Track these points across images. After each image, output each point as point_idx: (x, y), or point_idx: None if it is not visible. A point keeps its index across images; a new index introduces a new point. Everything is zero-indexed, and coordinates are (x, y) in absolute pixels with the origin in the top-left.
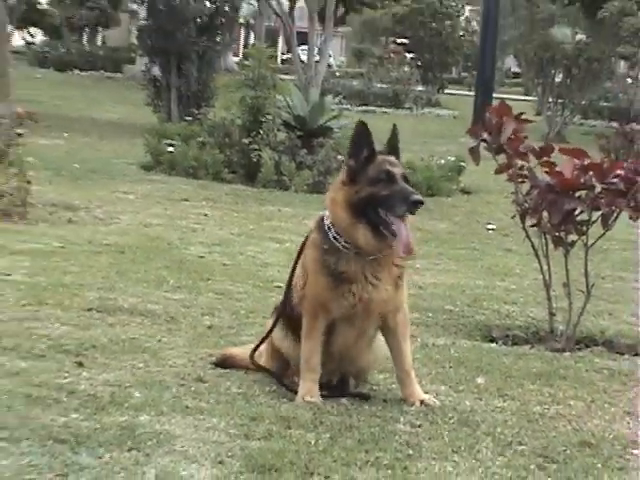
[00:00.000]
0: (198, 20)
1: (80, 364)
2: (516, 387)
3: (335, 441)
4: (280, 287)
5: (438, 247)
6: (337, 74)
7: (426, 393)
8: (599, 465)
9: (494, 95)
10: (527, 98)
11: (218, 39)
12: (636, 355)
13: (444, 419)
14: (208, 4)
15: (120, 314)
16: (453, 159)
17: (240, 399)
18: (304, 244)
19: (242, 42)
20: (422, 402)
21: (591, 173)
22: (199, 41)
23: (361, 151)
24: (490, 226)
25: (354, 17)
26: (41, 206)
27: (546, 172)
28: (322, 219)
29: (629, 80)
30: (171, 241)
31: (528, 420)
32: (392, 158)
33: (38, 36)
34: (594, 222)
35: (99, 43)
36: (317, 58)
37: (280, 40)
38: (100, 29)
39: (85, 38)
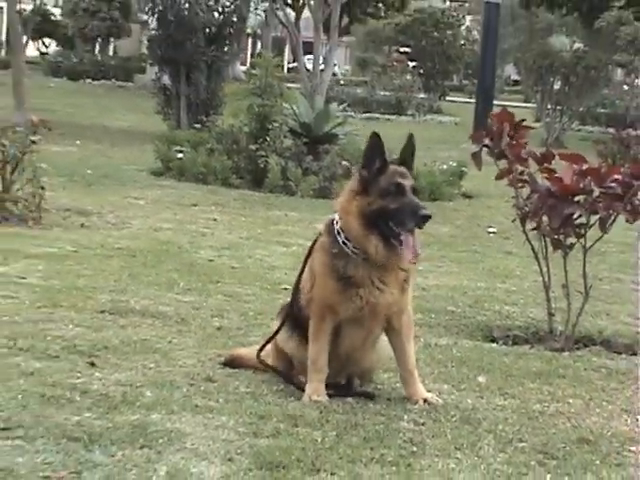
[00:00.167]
0: (207, 30)
1: (93, 364)
2: (516, 386)
3: (341, 439)
4: (287, 289)
5: (440, 250)
6: (342, 82)
7: (429, 392)
8: (597, 461)
9: (494, 102)
10: (526, 105)
11: (226, 49)
12: (633, 354)
13: (447, 417)
14: (217, 15)
15: (132, 316)
16: (455, 164)
17: (248, 398)
18: (312, 247)
19: (249, 51)
20: (425, 400)
21: (589, 178)
22: (208, 51)
23: (374, 162)
24: (491, 229)
25: (358, 27)
26: (55, 211)
27: (546, 178)
28: (332, 223)
29: (625, 87)
30: (181, 245)
31: (528, 418)
32: (403, 169)
33: (52, 46)
34: (592, 225)
35: (111, 53)
36: (322, 67)
37: (286, 49)
38: (112, 39)
39: (97, 48)
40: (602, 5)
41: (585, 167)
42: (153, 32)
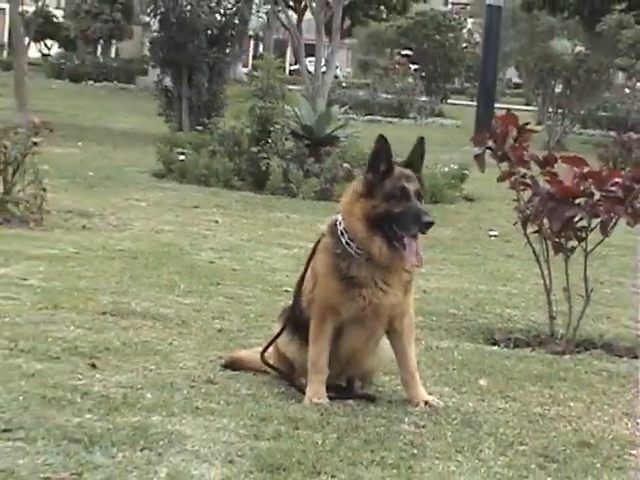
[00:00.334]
0: (209, 32)
1: (94, 366)
2: (517, 389)
3: (342, 441)
4: (288, 291)
5: (442, 253)
6: (343, 85)
7: (430, 394)
8: (598, 465)
9: (496, 105)
10: (528, 108)
11: (228, 51)
12: (634, 358)
13: (448, 420)
14: (218, 17)
15: (133, 318)
16: (456, 167)
17: (249, 400)
18: (315, 247)
19: (251, 53)
20: (426, 403)
21: (590, 181)
22: (210, 53)
23: (379, 165)
24: (492, 232)
25: (360, 30)
26: (56, 213)
27: (547, 181)
28: (335, 224)
29: (627, 90)
30: (182, 247)
31: (529, 421)
32: (408, 172)
33: (54, 48)
34: (593, 229)
35: (113, 55)
36: (324, 69)
37: (288, 52)
38: (114, 41)
39: (99, 50)
40: (603, 9)
41: (586, 170)
42: (155, 34)
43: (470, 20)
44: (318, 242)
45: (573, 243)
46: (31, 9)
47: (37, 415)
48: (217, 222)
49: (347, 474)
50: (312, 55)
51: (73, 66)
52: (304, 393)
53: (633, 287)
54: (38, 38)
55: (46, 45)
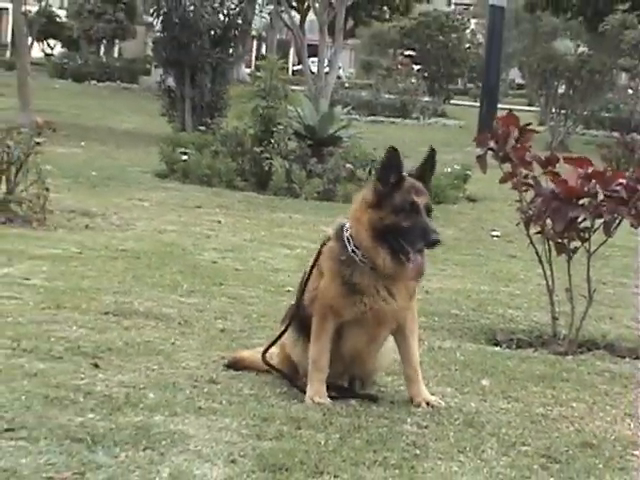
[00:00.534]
0: (212, 33)
1: (96, 366)
2: (520, 389)
3: (344, 441)
4: (291, 291)
5: (444, 253)
6: (346, 85)
7: (432, 395)
8: (601, 465)
9: (499, 105)
10: (531, 109)
11: (231, 51)
12: (637, 358)
13: (450, 420)
14: (222, 17)
15: (135, 317)
16: (459, 167)
17: (252, 400)
18: (321, 249)
19: (254, 54)
20: (428, 403)
21: (594, 181)
22: (213, 53)
23: (389, 176)
24: (495, 233)
25: (363, 30)
26: (59, 213)
27: (551, 180)
28: (342, 228)
29: (630, 91)
30: (185, 247)
31: (531, 421)
32: (419, 185)
33: (57, 48)
34: (596, 229)
35: (116, 55)
36: (327, 70)
37: (291, 52)
38: (117, 41)
39: (102, 50)
40: (606, 9)
41: (590, 170)
42: (158, 34)
43: (473, 21)
44: (324, 244)
45: (576, 244)
46: (34, 9)
47: (39, 414)
48: (220, 222)
49: (349, 474)
50: (315, 55)
51: (76, 66)
52: (305, 394)
53: (636, 288)
54: (41, 38)
55: (49, 45)
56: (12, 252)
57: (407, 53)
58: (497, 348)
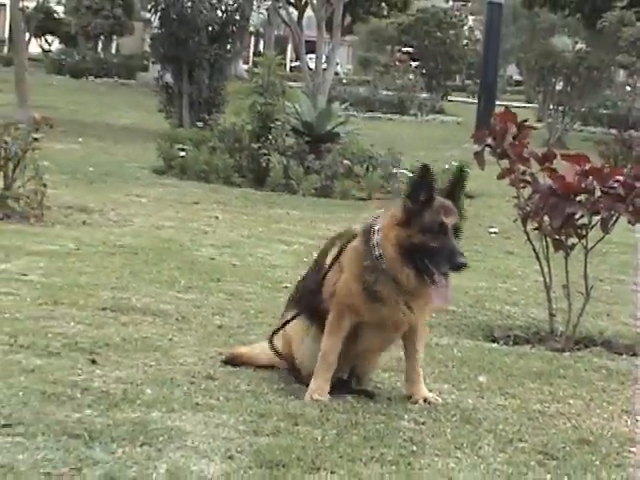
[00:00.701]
0: (210, 29)
1: (94, 362)
2: (517, 386)
3: (341, 437)
4: (288, 288)
5: None
6: (344, 81)
7: (430, 391)
8: (597, 462)
9: (496, 102)
10: (528, 105)
11: (229, 47)
12: (634, 355)
13: (447, 416)
14: (219, 13)
15: (133, 313)
16: (457, 164)
17: (249, 396)
18: (344, 245)
19: (252, 50)
20: (426, 400)
21: (591, 178)
22: (210, 49)
23: (420, 194)
24: (492, 229)
25: (361, 26)
26: (57, 209)
27: (548, 176)
28: (371, 230)
29: (628, 88)
30: (183, 243)
31: (529, 418)
32: (449, 205)
33: (54, 44)
34: (594, 226)
35: (113, 51)
36: (325, 66)
37: (289, 48)
38: (114, 37)
39: (100, 46)
40: (604, 6)
41: (588, 167)
42: (156, 30)
43: (471, 17)
44: (348, 241)
45: (573, 240)
46: (32, 5)
47: (37, 411)
48: (217, 218)
49: (346, 470)
50: (313, 52)
51: (74, 62)
52: (306, 386)
53: (633, 284)
54: (39, 34)
55: (47, 41)
56: (9, 248)
57: (405, 49)
58: (494, 345)
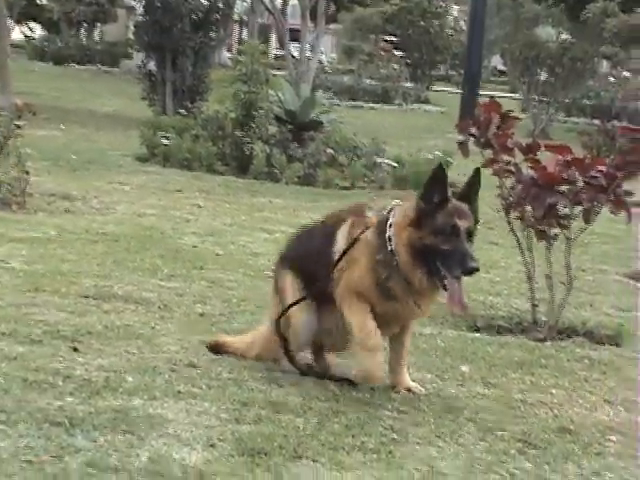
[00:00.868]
0: (194, 16)
1: (75, 349)
2: (499, 375)
3: (323, 426)
4: (271, 276)
5: None
6: (328, 70)
7: (412, 381)
8: (578, 451)
9: (481, 92)
10: (512, 96)
11: (213, 35)
12: (616, 345)
13: (429, 406)
14: (203, 1)
15: (115, 301)
16: (440, 154)
17: (231, 384)
18: (359, 235)
19: (236, 38)
20: (409, 390)
21: (573, 168)
22: (194, 37)
23: (433, 195)
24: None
25: (345, 15)
26: (39, 196)
27: (530, 167)
28: (386, 223)
29: (611, 79)
30: (165, 231)
31: (510, 407)
32: (463, 207)
33: (37, 30)
34: (576, 216)
35: (97, 38)
36: (309, 54)
37: (273, 37)
38: (98, 24)
39: (83, 33)
40: None
41: (570, 157)
42: (140, 18)
43: (455, 7)
44: (362, 231)
45: (556, 231)
46: None
47: (18, 398)
48: (200, 206)
49: (328, 458)
50: (297, 40)
51: (56, 49)
52: (302, 373)
53: (616, 275)
54: (21, 20)
55: (29, 27)
56: None
57: (389, 39)
58: (477, 334)
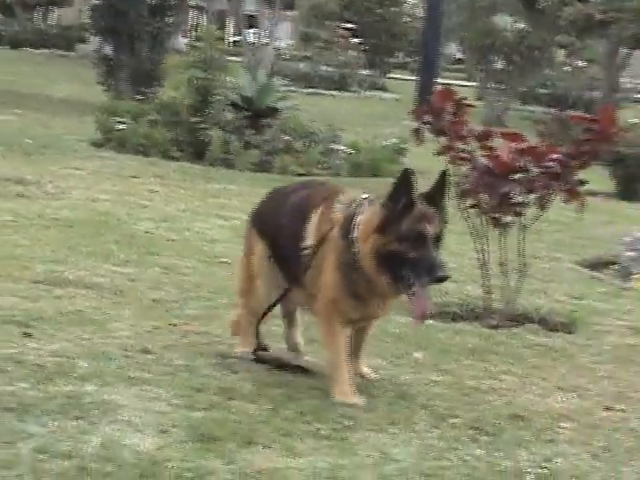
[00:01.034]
0: (150, 1)
1: (28, 335)
2: (452, 362)
3: (276, 412)
4: (225, 262)
5: None
6: (285, 57)
7: (365, 367)
8: (530, 437)
9: (437, 80)
10: (469, 84)
11: (169, 20)
12: (568, 333)
13: (382, 392)
14: None
15: (68, 287)
16: (396, 141)
17: (184, 370)
18: (328, 233)
19: (192, 24)
20: (362, 376)
21: (528, 157)
22: (151, 21)
23: (400, 200)
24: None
25: (302, 1)
26: None
27: (486, 155)
28: (351, 222)
29: (567, 68)
30: (120, 216)
31: (463, 394)
32: (431, 212)
33: None
34: (530, 204)
35: (53, 22)
36: (266, 41)
37: (230, 23)
38: (54, 8)
39: (39, 17)
40: None
41: (524, 146)
42: (95, 1)
43: None
44: (331, 229)
45: (510, 218)
46: None
47: None
48: (155, 192)
49: (281, 444)
50: (254, 26)
51: (13, 32)
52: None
53: (569, 262)
54: None
55: None
56: None
57: (346, 26)
58: (430, 321)
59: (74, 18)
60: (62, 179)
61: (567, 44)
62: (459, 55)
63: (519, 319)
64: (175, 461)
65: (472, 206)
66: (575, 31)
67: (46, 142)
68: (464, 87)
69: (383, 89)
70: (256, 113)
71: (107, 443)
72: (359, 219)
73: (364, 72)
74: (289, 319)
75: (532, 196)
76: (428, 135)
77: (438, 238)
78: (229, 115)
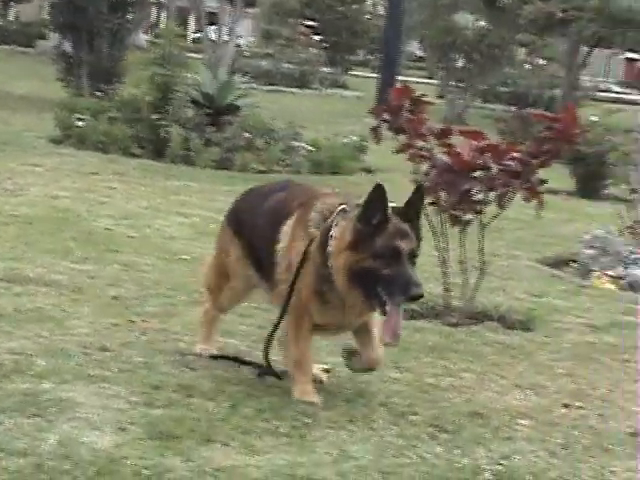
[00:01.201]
0: None
1: None
2: (412, 359)
3: (235, 410)
4: (185, 259)
5: None
6: (246, 54)
7: (324, 364)
8: (488, 435)
9: (398, 77)
10: (430, 81)
11: (130, 16)
12: (527, 330)
13: (341, 390)
14: None
15: (26, 284)
16: (356, 138)
17: (142, 368)
18: (309, 244)
19: (154, 20)
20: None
21: (488, 154)
22: (111, 18)
23: (373, 216)
24: (391, 204)
25: None
26: None
27: (446, 153)
28: (328, 234)
29: (527, 66)
30: (79, 213)
31: (421, 391)
32: (405, 228)
33: None
34: (490, 202)
35: (12, 18)
36: (226, 38)
37: (191, 19)
38: (12, 4)
39: None
40: None
41: (484, 143)
42: None
43: None
44: (311, 241)
45: (470, 216)
46: None
47: None
48: (115, 189)
49: (240, 442)
50: (215, 23)
51: None
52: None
53: (528, 260)
54: None
55: None
56: None
57: (308, 23)
58: None
59: (34, 14)
60: (21, 176)
61: (527, 42)
62: (420, 53)
63: (478, 317)
64: (133, 459)
65: (431, 204)
66: (535, 29)
67: (5, 139)
68: (425, 85)
69: (344, 87)
70: (217, 110)
71: (64, 441)
72: (333, 232)
73: (325, 70)
74: None
75: (492, 194)
76: (388, 133)
77: (413, 255)
78: (190, 112)
